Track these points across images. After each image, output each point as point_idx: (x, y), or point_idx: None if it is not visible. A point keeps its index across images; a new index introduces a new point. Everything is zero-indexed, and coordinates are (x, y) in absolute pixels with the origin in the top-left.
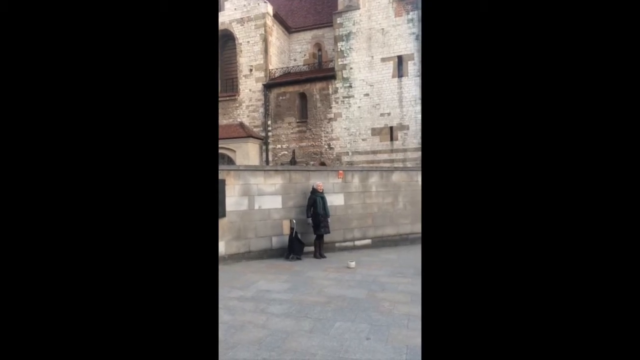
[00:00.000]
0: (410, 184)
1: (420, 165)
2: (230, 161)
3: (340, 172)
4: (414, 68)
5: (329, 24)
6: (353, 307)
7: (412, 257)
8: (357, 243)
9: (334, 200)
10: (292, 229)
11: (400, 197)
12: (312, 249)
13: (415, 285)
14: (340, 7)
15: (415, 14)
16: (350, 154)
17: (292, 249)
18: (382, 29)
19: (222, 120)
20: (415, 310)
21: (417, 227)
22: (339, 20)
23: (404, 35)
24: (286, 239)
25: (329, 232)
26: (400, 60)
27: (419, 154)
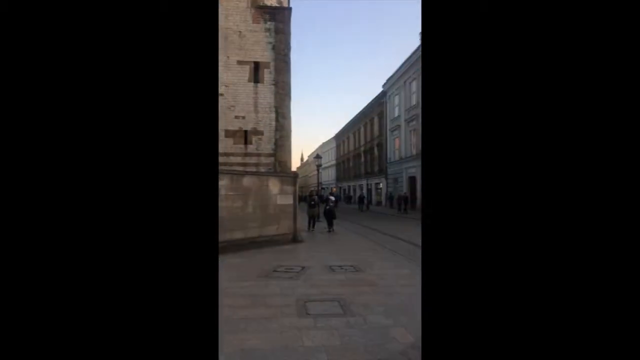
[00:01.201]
0: (261, 189)
1: (272, 170)
2: None
3: None
4: (269, 76)
5: None
6: None
7: (258, 259)
8: None
9: None
10: None
11: (251, 201)
12: None
13: (257, 287)
14: None
15: (273, 25)
16: None
17: None
18: (240, 31)
19: None
20: (253, 312)
21: (265, 231)
22: None
23: (262, 43)
24: None
25: None
26: (257, 67)
27: (272, 159)
